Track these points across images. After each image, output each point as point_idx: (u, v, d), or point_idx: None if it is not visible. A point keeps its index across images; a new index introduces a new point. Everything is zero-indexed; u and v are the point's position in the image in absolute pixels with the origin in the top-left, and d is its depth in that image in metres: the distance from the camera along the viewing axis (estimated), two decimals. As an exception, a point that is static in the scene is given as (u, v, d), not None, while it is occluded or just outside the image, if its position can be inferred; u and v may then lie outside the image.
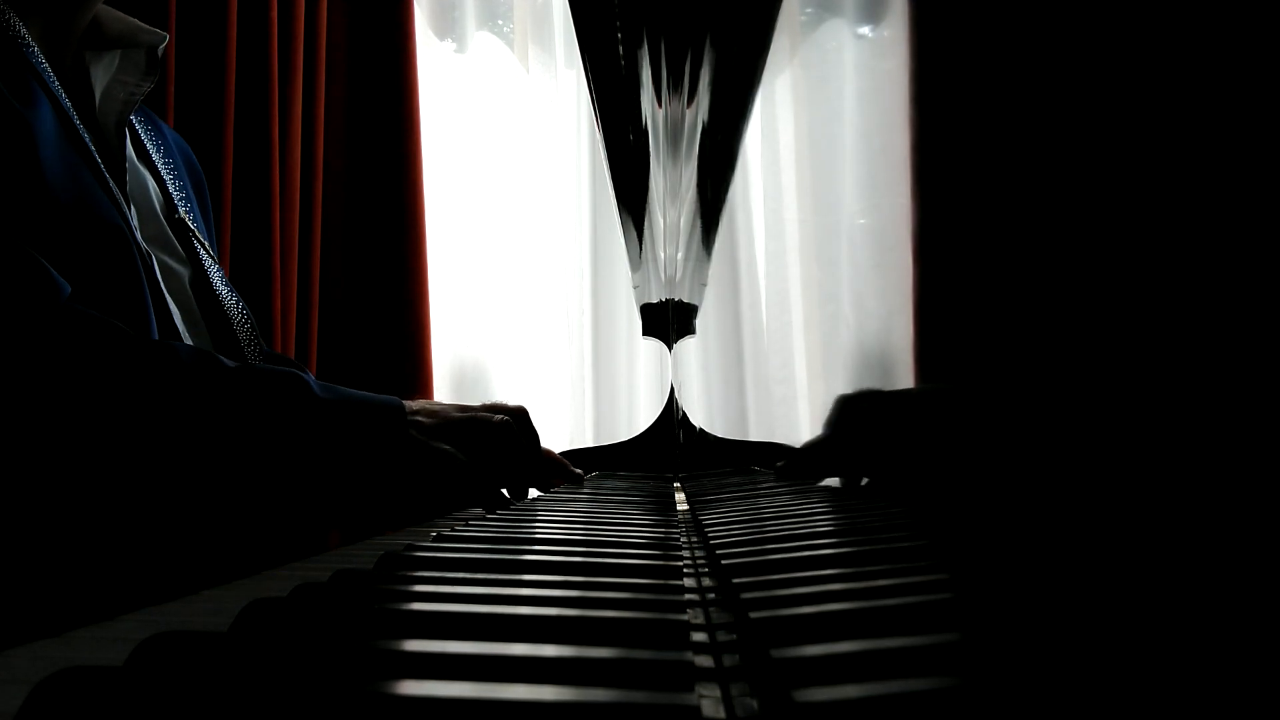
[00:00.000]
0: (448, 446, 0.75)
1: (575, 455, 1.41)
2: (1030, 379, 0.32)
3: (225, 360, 0.69)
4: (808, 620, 0.25)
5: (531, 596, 0.33)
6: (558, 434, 1.95)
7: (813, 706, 0.18)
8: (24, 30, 0.78)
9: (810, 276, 0.74)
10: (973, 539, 0.35)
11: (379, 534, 0.82)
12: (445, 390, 1.89)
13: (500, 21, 2.02)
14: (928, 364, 0.44)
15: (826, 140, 0.66)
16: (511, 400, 0.96)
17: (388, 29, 1.80)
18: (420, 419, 0.77)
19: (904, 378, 0.48)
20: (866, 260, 0.56)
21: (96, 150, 0.80)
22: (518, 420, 0.84)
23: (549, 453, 1.07)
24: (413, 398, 0.85)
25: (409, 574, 0.39)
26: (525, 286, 1.99)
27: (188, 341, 0.82)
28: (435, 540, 0.51)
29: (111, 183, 0.79)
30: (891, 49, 0.49)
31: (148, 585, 0.69)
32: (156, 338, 0.76)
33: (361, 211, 1.78)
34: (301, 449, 0.68)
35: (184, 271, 0.88)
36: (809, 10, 0.71)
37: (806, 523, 0.47)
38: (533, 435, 0.85)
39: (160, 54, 0.91)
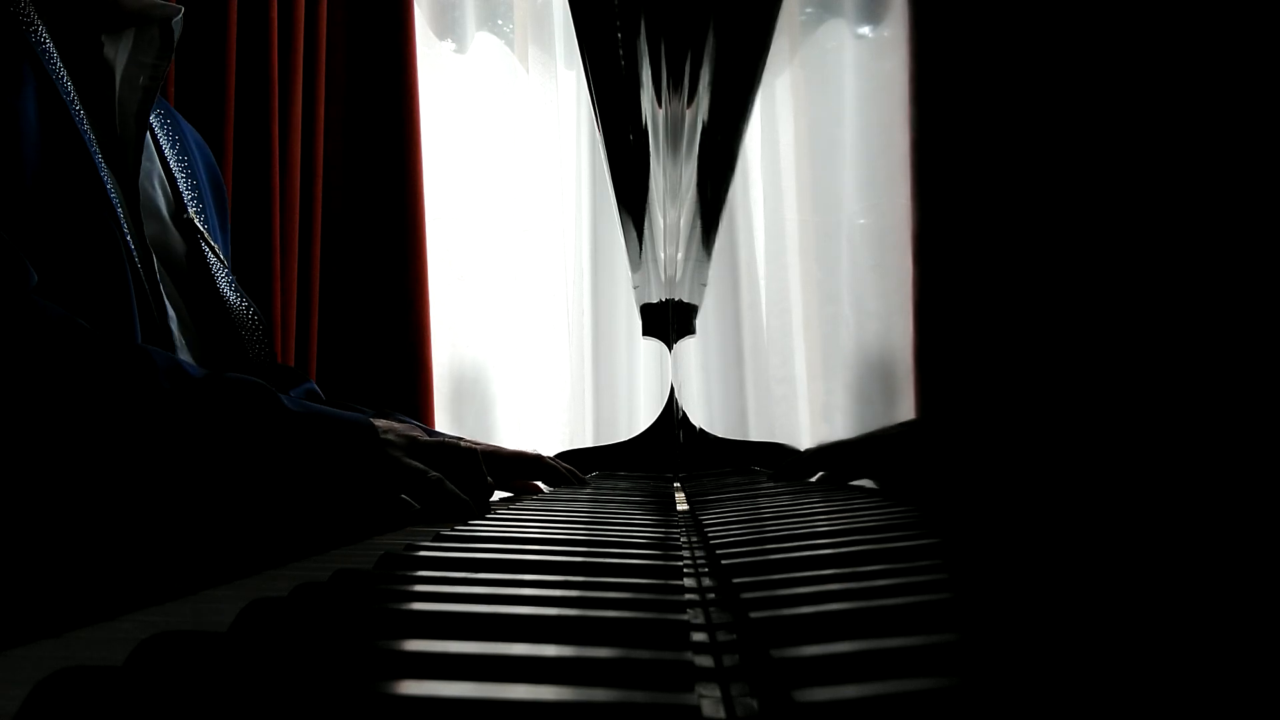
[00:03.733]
0: (418, 463, 0.76)
1: (575, 455, 1.41)
2: (1030, 379, 0.32)
3: (191, 367, 0.69)
4: (807, 620, 0.25)
5: (531, 596, 0.33)
6: (558, 434, 1.95)
7: (813, 706, 0.18)
8: (28, 7, 0.77)
9: (810, 276, 0.74)
10: (972, 539, 0.36)
11: (377, 534, 0.82)
12: (445, 389, 1.89)
13: (500, 21, 2.02)
14: (927, 364, 0.44)
15: (826, 140, 0.66)
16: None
17: (388, 29, 1.80)
18: (390, 438, 0.78)
19: (904, 378, 0.48)
20: (866, 260, 0.56)
21: (106, 139, 0.79)
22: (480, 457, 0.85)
23: (537, 458, 1.07)
24: (388, 414, 0.87)
25: (409, 574, 0.39)
26: (525, 286, 1.99)
27: (182, 346, 0.82)
28: (435, 540, 0.51)
29: (107, 177, 0.77)
30: (891, 49, 0.49)
31: (148, 585, 0.69)
32: (140, 341, 0.75)
33: (361, 211, 1.78)
34: (267, 460, 0.68)
35: (184, 273, 0.87)
36: (809, 10, 0.71)
37: (806, 523, 0.47)
38: (483, 476, 0.85)
39: (176, 27, 0.88)
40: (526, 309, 1.99)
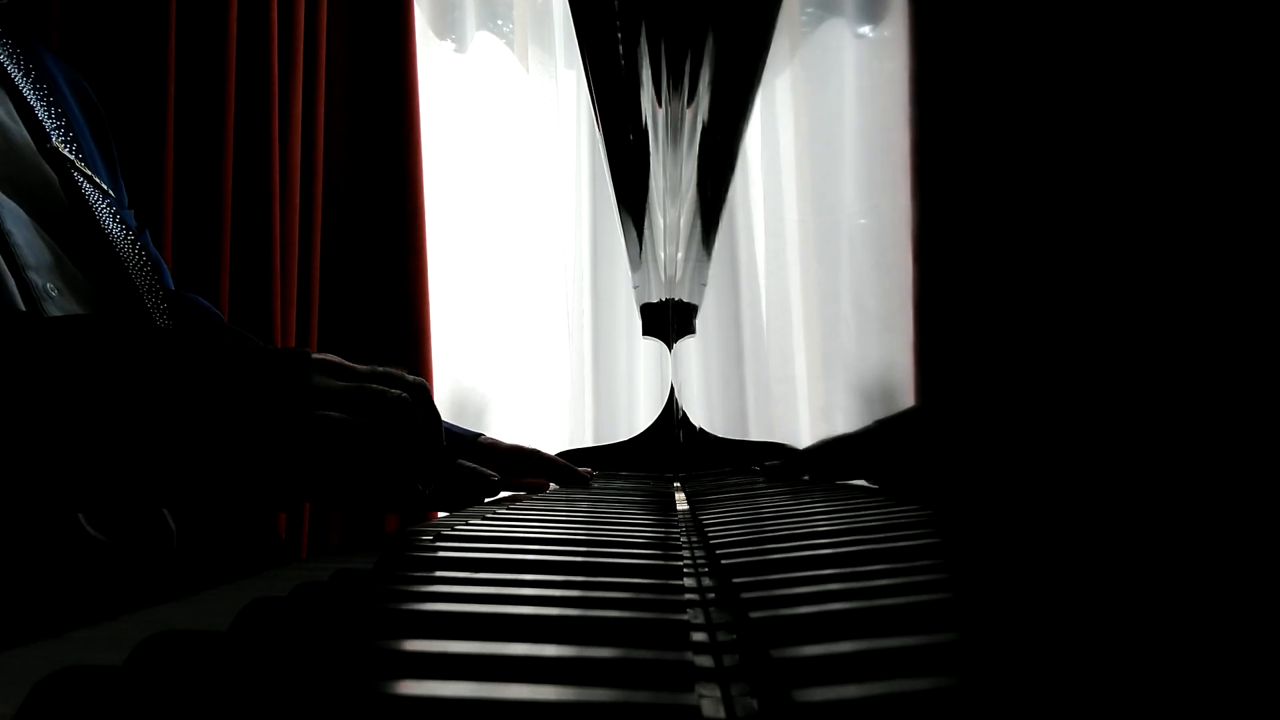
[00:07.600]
0: (335, 414, 0.56)
1: (575, 455, 1.41)
2: (1030, 379, 0.32)
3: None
4: (808, 620, 0.25)
5: (532, 596, 0.33)
6: (558, 434, 1.95)
7: (813, 706, 0.18)
8: None
9: (810, 276, 0.74)
10: (972, 539, 0.36)
11: (379, 533, 0.81)
12: (444, 388, 1.89)
13: (500, 21, 2.02)
14: (927, 364, 0.44)
15: (826, 140, 0.66)
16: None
17: (388, 29, 1.80)
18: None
19: (904, 378, 0.48)
20: (866, 260, 0.56)
21: None
22: (416, 397, 0.60)
23: (535, 452, 1.05)
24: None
25: (409, 573, 0.39)
26: (525, 286, 1.99)
27: (49, 293, 0.70)
28: (435, 540, 0.51)
29: None
30: (891, 49, 0.49)
31: (148, 585, 0.69)
32: None
33: (361, 211, 1.78)
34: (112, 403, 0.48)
35: (52, 209, 0.77)
36: (809, 10, 0.71)
37: (806, 523, 0.47)
38: (433, 416, 0.60)
39: None
40: (526, 308, 1.99)
